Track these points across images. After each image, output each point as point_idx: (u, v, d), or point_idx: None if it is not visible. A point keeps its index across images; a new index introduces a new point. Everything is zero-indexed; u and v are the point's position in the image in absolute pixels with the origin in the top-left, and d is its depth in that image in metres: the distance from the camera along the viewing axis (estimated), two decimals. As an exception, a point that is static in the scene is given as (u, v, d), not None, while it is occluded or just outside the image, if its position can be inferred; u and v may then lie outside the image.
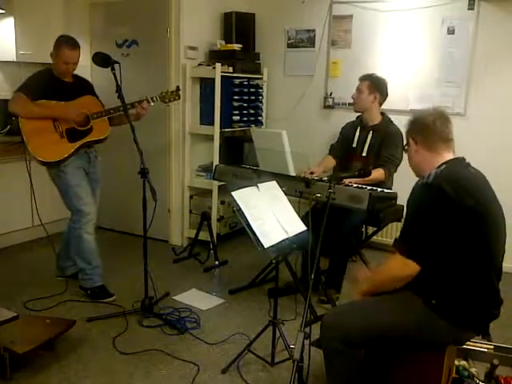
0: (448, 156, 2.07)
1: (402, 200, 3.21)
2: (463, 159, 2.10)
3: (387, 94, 3.66)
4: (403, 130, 3.46)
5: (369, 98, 3.61)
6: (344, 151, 3.83)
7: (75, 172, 3.39)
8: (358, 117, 3.82)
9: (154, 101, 3.44)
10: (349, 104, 4.39)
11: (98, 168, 3.63)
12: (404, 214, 2.12)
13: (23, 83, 3.30)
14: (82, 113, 3.32)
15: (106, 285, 3.55)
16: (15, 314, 2.53)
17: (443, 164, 2.03)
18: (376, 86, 3.61)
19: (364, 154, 3.65)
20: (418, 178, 2.09)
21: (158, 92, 3.50)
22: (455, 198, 1.88)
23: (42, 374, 2.62)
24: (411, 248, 1.96)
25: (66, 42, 3.26)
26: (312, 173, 3.59)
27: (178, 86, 3.61)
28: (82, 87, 3.48)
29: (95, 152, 3.57)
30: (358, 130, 3.74)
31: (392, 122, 3.67)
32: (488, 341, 2.34)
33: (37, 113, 3.23)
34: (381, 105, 3.67)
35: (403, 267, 1.97)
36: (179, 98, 3.60)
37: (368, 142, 3.64)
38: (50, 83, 3.32)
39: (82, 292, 3.52)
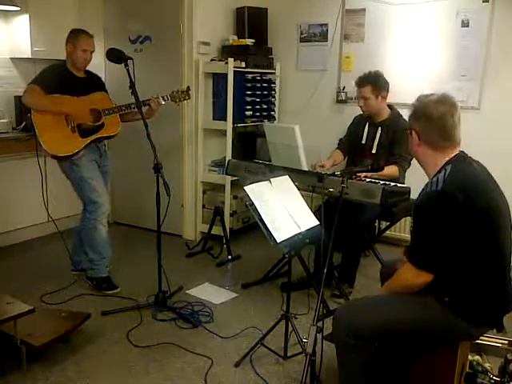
0: (452, 152, 2.01)
1: (415, 195, 3.21)
2: (465, 155, 2.04)
3: (388, 84, 3.58)
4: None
5: (377, 101, 3.54)
6: (353, 147, 3.80)
7: (88, 165, 3.43)
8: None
9: (164, 100, 3.47)
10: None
11: (108, 161, 3.67)
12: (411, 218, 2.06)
13: (37, 75, 3.32)
14: (93, 109, 3.36)
15: (119, 278, 3.59)
16: (31, 308, 2.56)
17: (447, 164, 1.98)
18: (379, 86, 3.52)
19: (374, 151, 3.61)
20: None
21: (169, 91, 3.53)
22: (466, 204, 1.85)
23: (57, 366, 2.66)
24: (424, 259, 1.94)
25: (83, 31, 3.38)
26: (322, 166, 3.59)
27: (188, 87, 3.64)
28: (94, 83, 3.53)
29: (105, 146, 3.61)
30: (367, 125, 3.69)
31: (401, 116, 3.60)
32: (503, 334, 2.32)
33: (49, 108, 3.26)
34: (387, 98, 3.61)
35: (416, 277, 1.96)
36: (189, 98, 3.64)
37: (377, 139, 3.59)
38: (63, 77, 3.36)
39: (88, 282, 3.58)
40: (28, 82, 3.32)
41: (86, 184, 3.42)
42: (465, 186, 1.89)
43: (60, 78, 3.33)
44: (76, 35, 3.35)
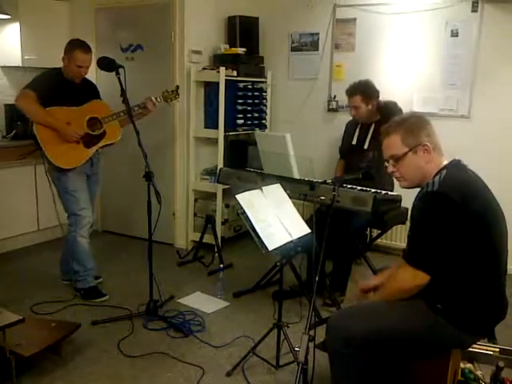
0: (443, 160, 2.06)
1: (406, 202, 3.22)
2: (459, 161, 2.08)
3: (378, 91, 3.67)
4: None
5: (368, 108, 3.63)
6: (346, 150, 3.88)
7: (76, 177, 3.41)
8: None
9: (158, 101, 3.54)
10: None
11: (100, 169, 3.66)
12: (409, 221, 2.08)
13: (32, 81, 3.27)
14: (92, 118, 3.35)
15: (110, 287, 3.57)
16: (21, 318, 2.53)
17: (443, 169, 2.01)
18: (368, 95, 3.61)
19: (365, 147, 3.66)
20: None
21: (160, 93, 3.60)
22: (462, 205, 1.87)
23: (47, 377, 2.63)
24: (420, 259, 1.95)
25: (80, 46, 3.31)
26: None
27: (177, 86, 3.71)
28: (91, 90, 3.52)
29: (98, 154, 3.58)
30: (359, 127, 3.76)
31: (388, 106, 3.64)
32: (494, 344, 2.33)
33: (40, 117, 3.22)
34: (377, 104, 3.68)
35: (413, 278, 1.95)
36: (179, 97, 3.70)
37: (370, 134, 3.65)
38: (60, 85, 3.33)
39: (76, 293, 3.55)
40: (22, 87, 3.26)
41: (70, 196, 3.41)
42: (460, 188, 1.92)
43: (55, 85, 3.30)
44: (72, 50, 3.28)
